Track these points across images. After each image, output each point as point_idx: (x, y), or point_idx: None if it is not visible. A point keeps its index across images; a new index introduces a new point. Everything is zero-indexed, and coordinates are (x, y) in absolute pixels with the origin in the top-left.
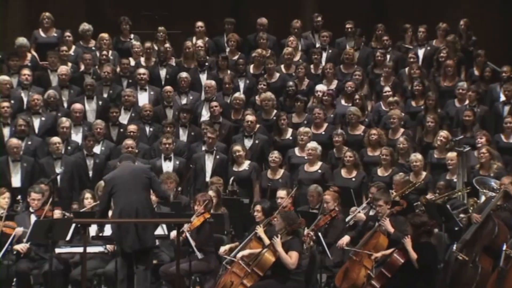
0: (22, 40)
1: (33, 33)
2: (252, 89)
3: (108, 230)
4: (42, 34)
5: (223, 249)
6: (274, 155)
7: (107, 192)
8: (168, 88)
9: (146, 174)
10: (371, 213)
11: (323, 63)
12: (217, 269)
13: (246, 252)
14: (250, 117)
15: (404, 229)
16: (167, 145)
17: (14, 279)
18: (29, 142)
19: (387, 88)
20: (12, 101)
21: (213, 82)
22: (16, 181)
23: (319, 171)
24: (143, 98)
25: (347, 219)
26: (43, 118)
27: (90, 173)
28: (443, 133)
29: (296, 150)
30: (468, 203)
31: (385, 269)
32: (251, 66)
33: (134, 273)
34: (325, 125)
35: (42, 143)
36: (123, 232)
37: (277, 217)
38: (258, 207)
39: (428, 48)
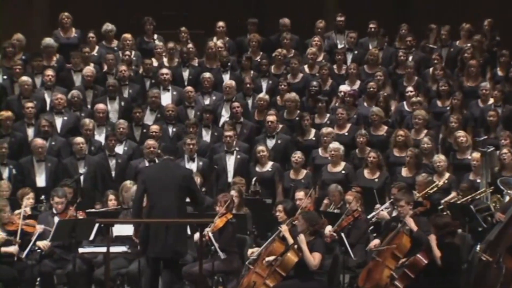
0: (49, 41)
1: (54, 34)
2: (275, 89)
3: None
4: (62, 34)
5: (251, 251)
6: (297, 155)
7: (142, 183)
8: (189, 88)
9: (187, 182)
10: (394, 213)
11: (349, 63)
12: (240, 269)
13: (271, 258)
14: (270, 118)
15: (427, 230)
16: (191, 146)
17: (38, 279)
18: (53, 143)
19: (410, 88)
20: (35, 102)
21: (233, 83)
22: (40, 181)
23: (343, 171)
24: (166, 98)
25: (369, 216)
26: (65, 118)
27: (113, 173)
28: (461, 133)
29: (320, 151)
30: (491, 200)
31: (409, 269)
32: (273, 66)
33: (159, 275)
34: (348, 125)
35: (66, 143)
36: (151, 238)
37: (299, 218)
38: (280, 207)
39: (452, 49)
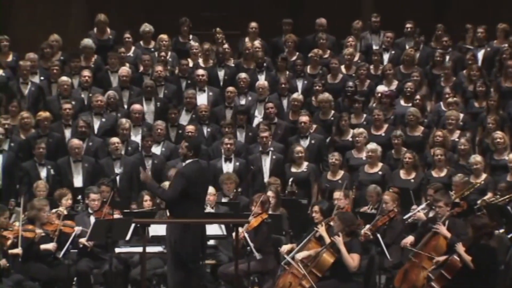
0: (87, 42)
1: (89, 34)
2: (310, 90)
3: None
4: (97, 35)
5: (284, 248)
6: (335, 156)
7: (183, 187)
8: (231, 88)
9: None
10: (431, 214)
11: (385, 64)
12: (275, 270)
13: (304, 253)
14: (303, 118)
15: (464, 232)
16: (228, 145)
17: (75, 279)
18: (90, 143)
19: (447, 90)
20: (73, 102)
21: (266, 83)
22: (77, 181)
23: (380, 172)
24: (202, 99)
25: (405, 217)
26: (103, 119)
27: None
28: (498, 134)
29: (353, 152)
30: None
31: (445, 270)
32: (308, 67)
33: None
34: (385, 126)
35: (103, 144)
36: (193, 242)
37: (335, 219)
38: (316, 208)
39: (488, 49)
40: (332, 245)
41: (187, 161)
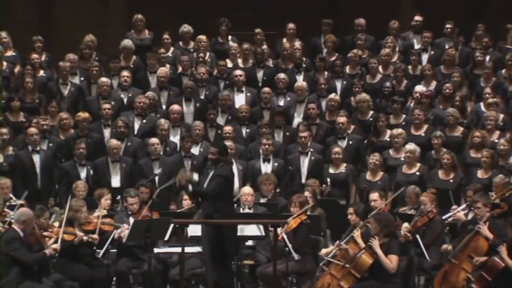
0: (127, 42)
1: (127, 35)
2: (349, 90)
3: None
4: (135, 36)
5: (324, 251)
6: (376, 157)
7: (224, 188)
8: (266, 89)
9: None
10: (471, 215)
11: (424, 64)
12: (313, 270)
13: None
14: (341, 119)
15: (504, 233)
16: (267, 146)
17: (114, 279)
18: (129, 143)
19: (487, 90)
20: (113, 102)
21: (304, 84)
22: (115, 181)
23: (418, 173)
24: (240, 100)
25: (444, 217)
26: (144, 121)
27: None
28: None
29: (391, 152)
30: None
31: (485, 272)
32: (348, 67)
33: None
34: (425, 126)
35: (142, 144)
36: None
37: (371, 220)
38: (351, 210)
39: None
40: (369, 247)
41: (221, 164)
